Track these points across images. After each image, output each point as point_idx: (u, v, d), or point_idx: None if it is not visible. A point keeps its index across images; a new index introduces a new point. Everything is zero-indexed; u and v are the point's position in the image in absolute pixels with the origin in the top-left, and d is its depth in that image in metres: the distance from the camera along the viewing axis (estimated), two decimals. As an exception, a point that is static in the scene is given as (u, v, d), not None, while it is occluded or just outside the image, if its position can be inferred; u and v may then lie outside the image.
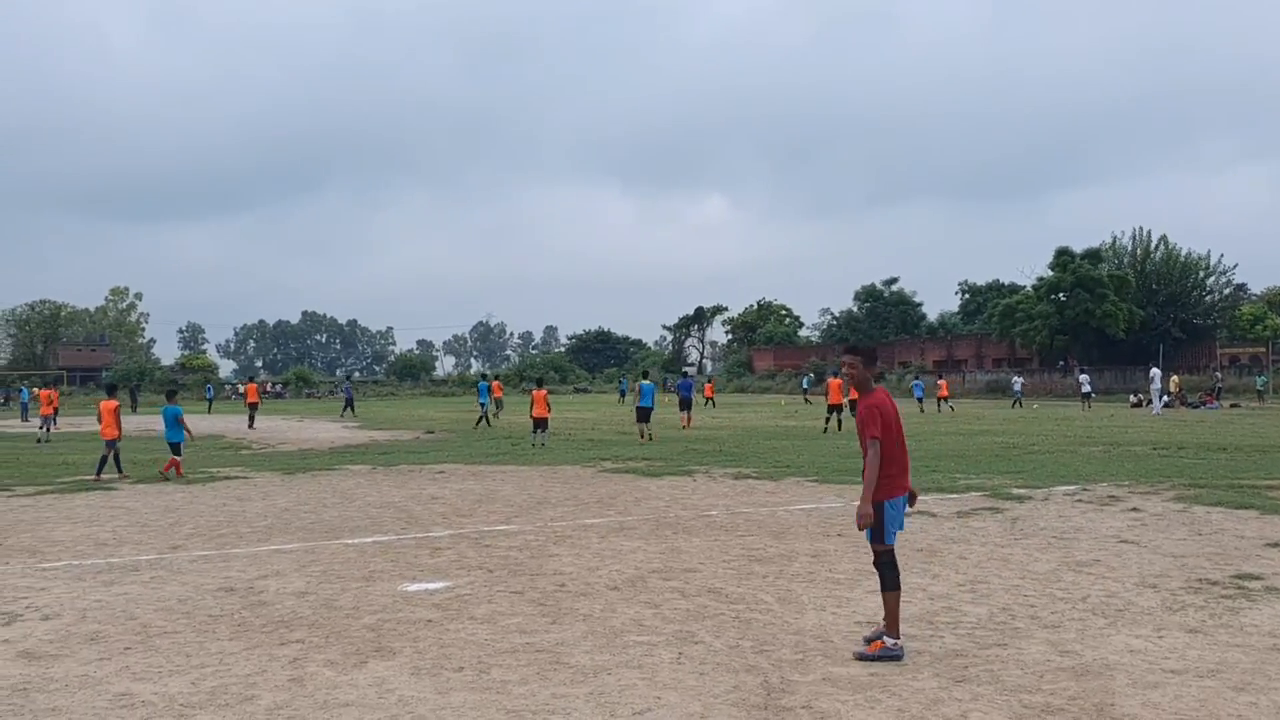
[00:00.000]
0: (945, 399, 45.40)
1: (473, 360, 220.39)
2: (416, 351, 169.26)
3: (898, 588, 6.27)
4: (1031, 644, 6.38)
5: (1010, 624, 6.89)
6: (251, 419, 38.22)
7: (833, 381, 30.96)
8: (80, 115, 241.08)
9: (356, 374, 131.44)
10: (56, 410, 34.62)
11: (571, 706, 5.29)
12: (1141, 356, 63.36)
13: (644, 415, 26.50)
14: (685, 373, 42.74)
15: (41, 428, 31.88)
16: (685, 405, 32.56)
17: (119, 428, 18.18)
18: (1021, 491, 14.16)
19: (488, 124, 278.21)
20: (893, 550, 6.35)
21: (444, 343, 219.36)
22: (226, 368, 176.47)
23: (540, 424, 24.08)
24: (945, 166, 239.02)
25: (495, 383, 40.57)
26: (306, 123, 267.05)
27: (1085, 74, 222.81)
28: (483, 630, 6.88)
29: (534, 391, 25.12)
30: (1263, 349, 62.06)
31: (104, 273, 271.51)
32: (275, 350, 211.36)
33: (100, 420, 18.44)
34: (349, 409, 47.47)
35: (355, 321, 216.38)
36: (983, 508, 12.62)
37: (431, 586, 8.32)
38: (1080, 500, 13.22)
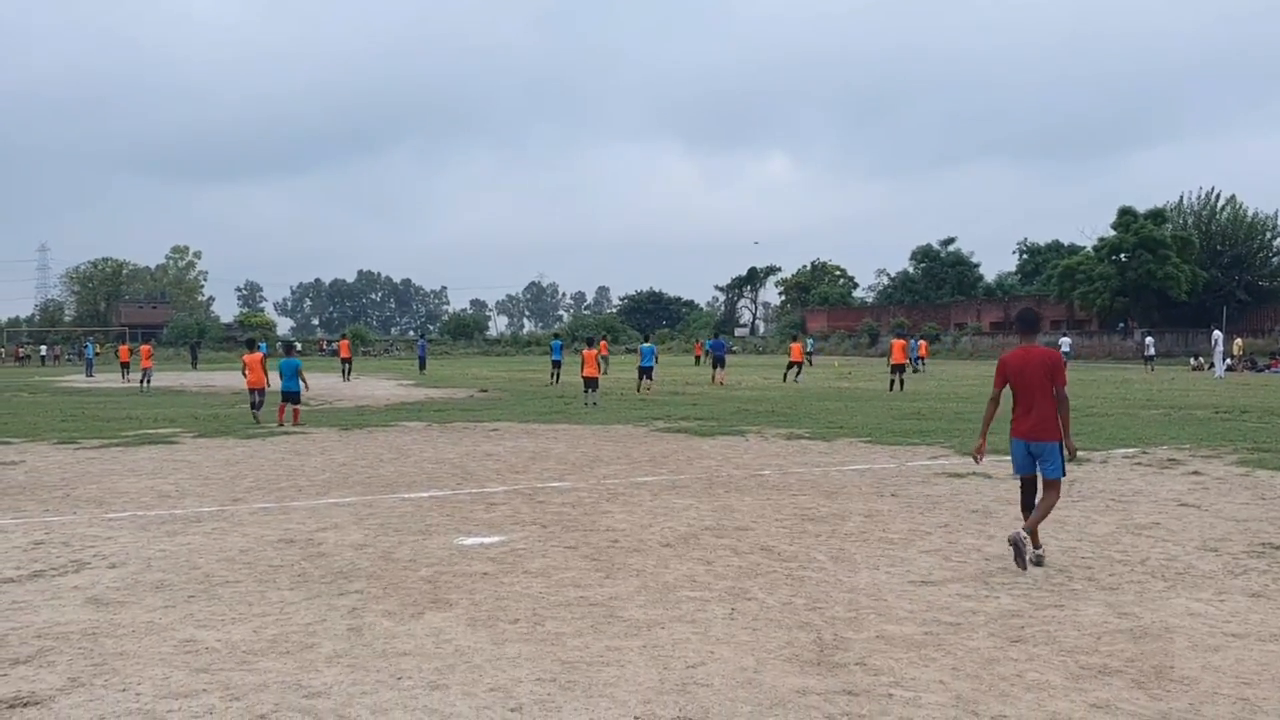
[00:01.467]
0: (922, 359, 45.09)
1: (525, 320, 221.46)
2: (470, 311, 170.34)
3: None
4: (1089, 605, 6.32)
5: (1067, 585, 6.83)
6: (346, 373, 41.01)
7: (895, 342, 31.52)
8: (157, 78, 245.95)
9: (433, 330, 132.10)
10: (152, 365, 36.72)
11: (625, 659, 5.34)
12: (1204, 319, 62.05)
13: (645, 373, 29.97)
14: (718, 334, 44.95)
15: (142, 380, 35.05)
16: (719, 364, 35.67)
17: (266, 377, 20.73)
18: (1080, 454, 13.94)
19: (555, 85, 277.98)
20: (1019, 479, 7.93)
21: (497, 302, 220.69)
22: (284, 325, 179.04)
23: (591, 383, 24.17)
24: (1017, 126, 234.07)
25: (603, 342, 41.58)
26: (375, 84, 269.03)
27: (1166, 29, 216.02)
28: (537, 584, 6.95)
29: (584, 351, 25.20)
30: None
31: (168, 232, 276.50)
32: (331, 308, 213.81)
33: (246, 371, 21.00)
34: (423, 367, 48.27)
35: (410, 281, 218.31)
36: (1039, 470, 12.46)
37: (487, 540, 8.42)
38: (1139, 463, 13.03)
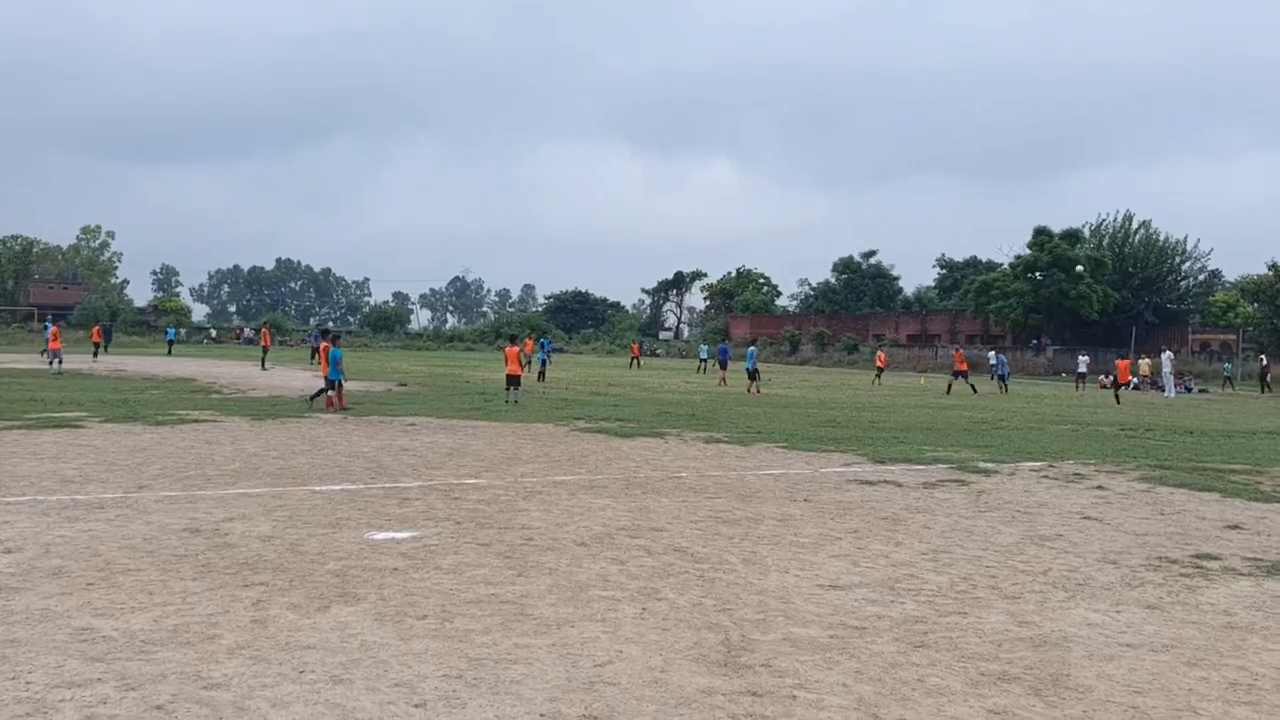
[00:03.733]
0: (881, 370, 46.38)
1: (449, 315, 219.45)
2: (392, 304, 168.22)
3: None
4: (991, 613, 6.46)
5: (971, 593, 6.97)
6: (265, 360, 40.62)
7: (956, 353, 37.95)
8: (100, 52, 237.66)
9: (331, 324, 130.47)
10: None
11: (534, 656, 5.32)
12: (1114, 339, 63.93)
13: (752, 375, 33.08)
14: (718, 338, 46.81)
15: (52, 362, 33.42)
16: (723, 366, 39.01)
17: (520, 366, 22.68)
18: (988, 465, 14.29)
19: (507, 81, 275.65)
20: None
21: (420, 296, 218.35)
22: (199, 312, 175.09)
23: (513, 381, 24.03)
24: (957, 144, 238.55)
25: (528, 340, 41.28)
26: (325, 70, 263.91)
27: (1105, 59, 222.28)
28: (448, 580, 6.89)
29: (507, 348, 25.07)
30: (1233, 336, 62.69)
31: (87, 211, 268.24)
32: (249, 296, 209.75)
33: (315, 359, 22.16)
34: (315, 356, 47.69)
35: (330, 270, 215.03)
36: (949, 480, 12.73)
37: (398, 535, 8.32)
38: (1046, 476, 13.36)
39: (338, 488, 10.75)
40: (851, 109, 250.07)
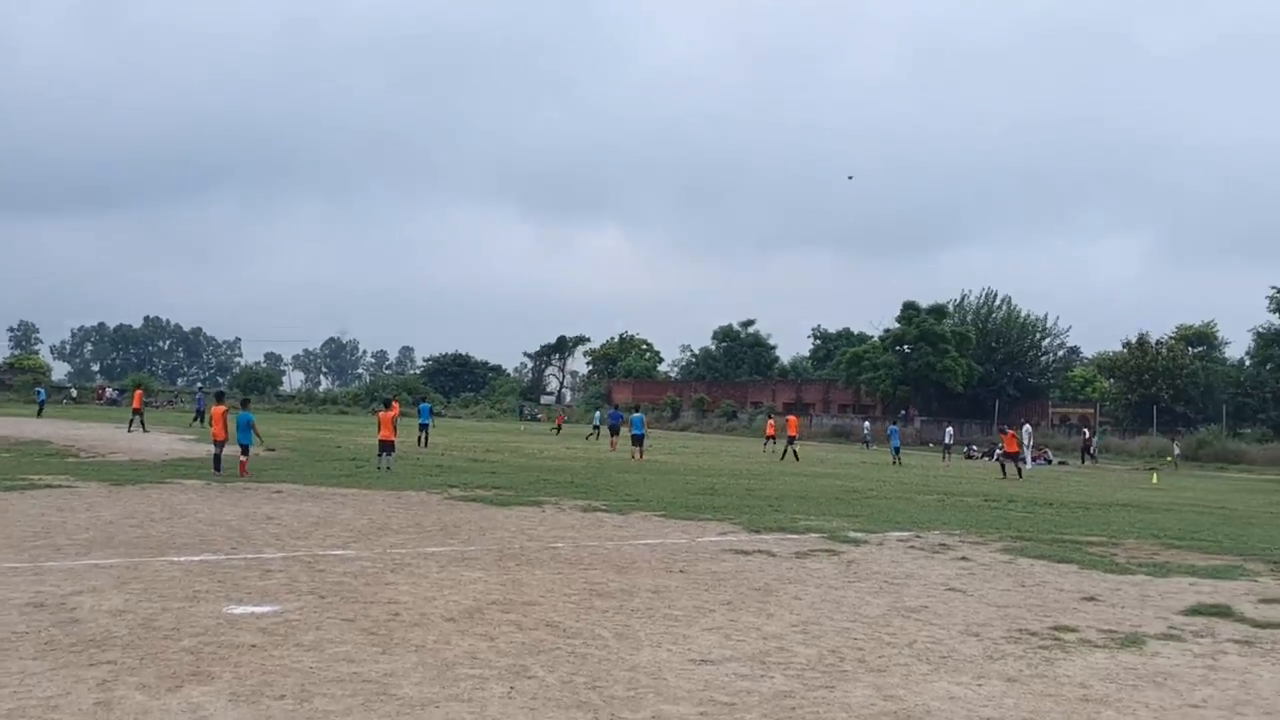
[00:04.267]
0: (771, 438, 45.51)
1: (322, 377, 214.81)
2: (264, 365, 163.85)
3: None
4: (858, 687, 6.53)
5: (839, 666, 7.04)
6: (133, 423, 38.48)
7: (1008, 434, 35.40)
8: None
9: (221, 383, 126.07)
10: None
11: (395, 739, 5.15)
12: (978, 411, 66.16)
13: (637, 441, 33.71)
14: (616, 405, 46.73)
15: None
16: (614, 432, 38.67)
17: (225, 430, 20.97)
18: (858, 535, 14.54)
19: (397, 143, 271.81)
20: None
21: (294, 357, 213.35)
22: (60, 370, 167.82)
23: (386, 447, 23.53)
24: (840, 219, 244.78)
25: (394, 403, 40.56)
26: (208, 124, 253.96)
27: (981, 139, 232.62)
28: (309, 657, 6.65)
29: (380, 413, 24.58)
30: (1091, 409, 65.54)
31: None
32: (114, 355, 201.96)
33: (210, 423, 21.68)
34: (199, 419, 46.02)
35: (200, 329, 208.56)
36: (820, 549, 12.91)
37: (258, 610, 8.01)
38: (914, 546, 13.65)
39: (197, 558, 10.33)
40: (738, 181, 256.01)
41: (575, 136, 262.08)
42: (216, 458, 20.64)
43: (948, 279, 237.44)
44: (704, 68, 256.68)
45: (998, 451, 49.35)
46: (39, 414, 50.92)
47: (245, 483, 18.72)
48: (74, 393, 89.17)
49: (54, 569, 9.46)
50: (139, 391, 43.15)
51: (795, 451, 38.16)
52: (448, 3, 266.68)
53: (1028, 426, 46.35)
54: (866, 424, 54.58)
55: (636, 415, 36.42)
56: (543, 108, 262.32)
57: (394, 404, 25.76)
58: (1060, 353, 77.18)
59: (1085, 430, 52.83)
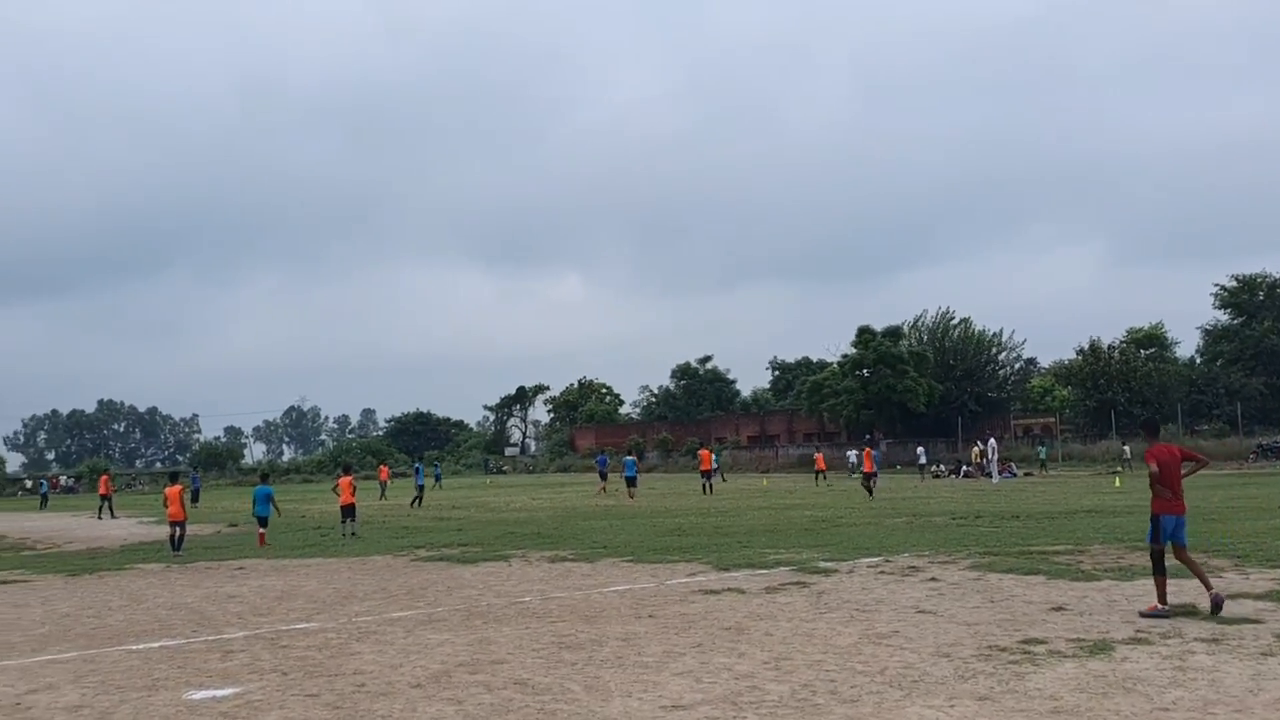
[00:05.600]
0: (707, 472, 44.10)
1: (285, 447, 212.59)
2: (224, 439, 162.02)
3: (1160, 574, 9.89)
4: (831, 720, 6.48)
5: (811, 700, 6.98)
6: (103, 510, 37.91)
7: (866, 451, 35.38)
8: None
9: (182, 461, 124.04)
10: None
11: (361, 817, 5.03)
12: (942, 429, 66.53)
13: (630, 483, 36.66)
14: (630, 450, 48.49)
15: None
16: (630, 483, 37.40)
17: (184, 510, 20.57)
18: (828, 565, 14.52)
19: (353, 204, 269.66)
20: (1159, 551, 10.02)
21: (254, 429, 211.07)
22: (14, 460, 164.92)
23: (348, 512, 23.24)
24: (794, 250, 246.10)
25: (383, 467, 40.67)
26: (156, 202, 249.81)
27: (930, 164, 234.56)
28: (272, 739, 6.50)
29: (340, 479, 24.31)
30: (1053, 419, 66.09)
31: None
32: (69, 441, 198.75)
33: (167, 504, 20.64)
34: (195, 500, 45.66)
35: (156, 409, 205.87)
36: (791, 582, 12.86)
37: (219, 694, 7.82)
38: (883, 572, 13.64)
39: (156, 645, 10.10)
40: (692, 220, 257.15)
41: (531, 187, 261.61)
42: (173, 538, 20.19)
43: (904, 301, 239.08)
44: (657, 108, 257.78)
45: (965, 467, 50.04)
46: (41, 507, 49.74)
47: (207, 562, 18.40)
48: (28, 483, 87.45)
49: (8, 667, 9.21)
50: (104, 477, 42.13)
51: (710, 486, 39.66)
52: (398, 63, 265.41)
53: (993, 441, 46.78)
54: (852, 453, 54.63)
55: (629, 459, 39.12)
56: (495, 161, 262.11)
57: (382, 468, 25.89)
58: (1017, 365, 78.01)
59: (872, 437, 54.10)
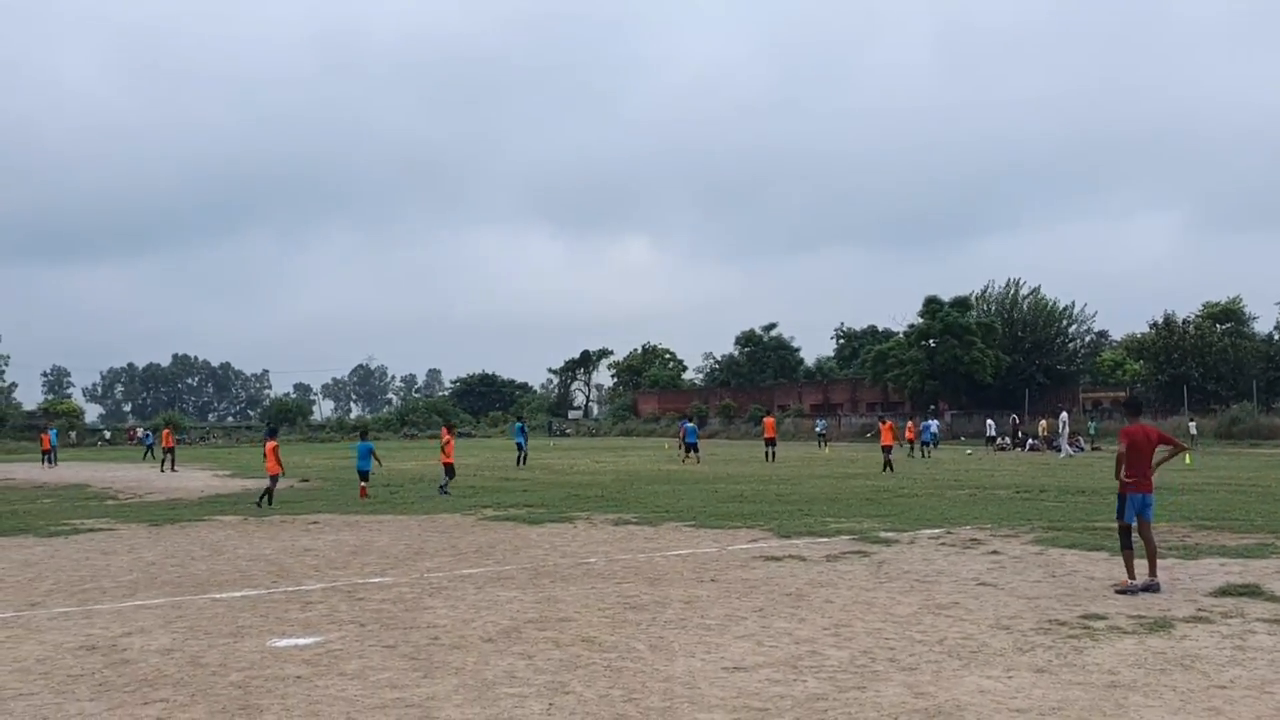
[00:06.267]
0: (772, 439, 44.75)
1: (352, 405, 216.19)
2: (294, 396, 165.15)
3: (1126, 549, 10.13)
4: (889, 686, 6.66)
5: (870, 667, 7.17)
6: (165, 463, 39.06)
7: (883, 425, 33.39)
8: (13, 150, 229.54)
9: (252, 416, 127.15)
10: None
11: (440, 761, 5.33)
12: (1009, 401, 65.77)
13: (691, 448, 37.41)
14: (690, 418, 46.85)
15: None
16: (692, 448, 37.75)
17: (280, 465, 21.50)
18: (889, 535, 14.63)
19: (430, 166, 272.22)
20: (1125, 527, 10.23)
21: (323, 386, 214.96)
22: (93, 412, 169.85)
23: (449, 471, 23.92)
24: (866, 215, 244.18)
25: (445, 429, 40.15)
26: (241, 162, 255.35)
27: (1012, 126, 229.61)
28: (353, 686, 6.85)
29: (446, 435, 25.01)
30: (1123, 394, 64.97)
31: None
32: (144, 394, 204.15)
33: (266, 458, 21.71)
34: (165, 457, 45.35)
35: (229, 364, 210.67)
36: (851, 551, 13.02)
37: (301, 642, 8.22)
38: (944, 543, 13.73)
39: (239, 594, 10.57)
40: (765, 185, 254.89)
41: (605, 150, 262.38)
42: (269, 491, 21.07)
43: (975, 269, 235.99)
44: (729, 71, 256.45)
45: (1031, 440, 49.49)
46: (145, 457, 50.12)
47: (282, 515, 19.01)
48: (107, 434, 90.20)
49: (102, 611, 9.72)
50: (166, 431, 43.39)
51: (773, 454, 39.36)
52: (477, 25, 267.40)
53: (1064, 414, 46.26)
54: (933, 423, 54.56)
55: (690, 425, 39.44)
56: (572, 124, 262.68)
57: (444, 430, 25.96)
58: (1088, 338, 76.69)
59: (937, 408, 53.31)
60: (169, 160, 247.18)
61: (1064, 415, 45.97)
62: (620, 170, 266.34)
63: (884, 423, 33.72)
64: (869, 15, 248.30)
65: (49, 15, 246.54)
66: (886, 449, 31.95)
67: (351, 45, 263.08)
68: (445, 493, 22.99)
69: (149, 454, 50.82)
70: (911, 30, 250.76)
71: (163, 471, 37.23)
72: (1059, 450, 44.47)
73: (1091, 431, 52.95)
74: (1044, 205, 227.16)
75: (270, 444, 22.35)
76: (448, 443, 24.35)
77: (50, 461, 44.73)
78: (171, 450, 40.20)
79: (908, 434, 41.85)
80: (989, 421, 51.12)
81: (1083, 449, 47.39)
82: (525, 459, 36.91)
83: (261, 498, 21.15)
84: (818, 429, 60.27)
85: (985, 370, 65.95)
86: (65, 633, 8.73)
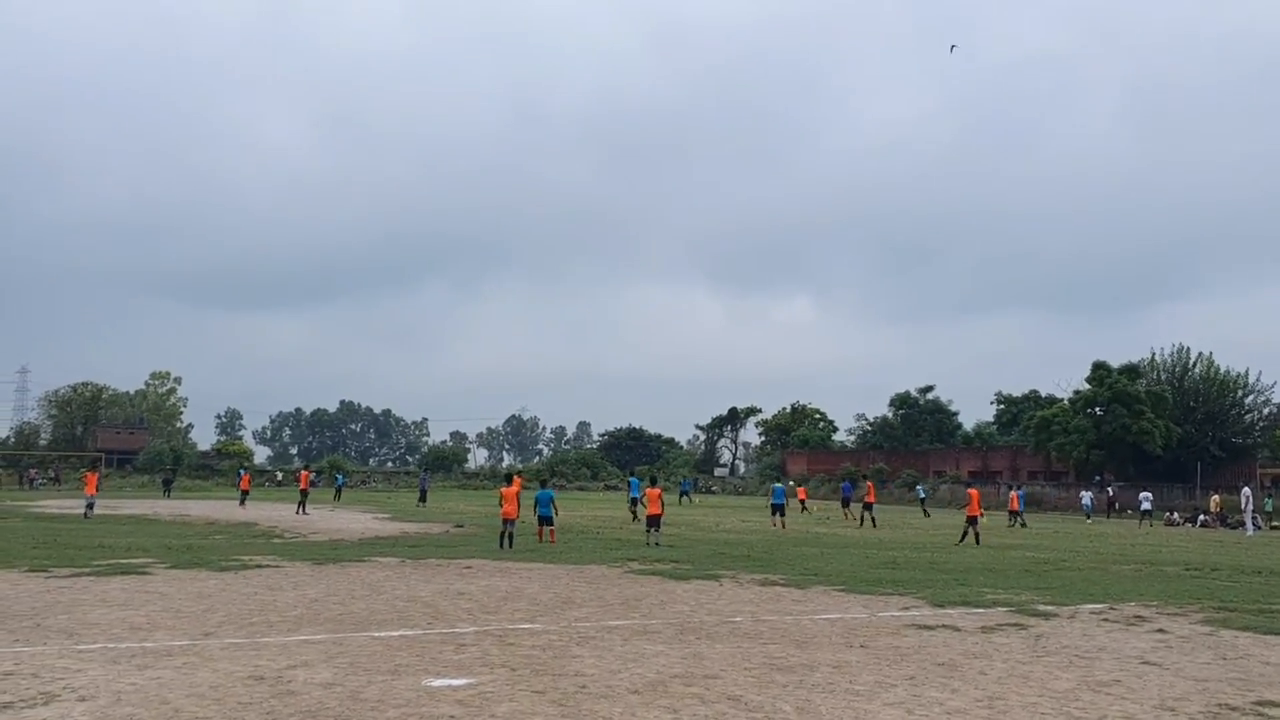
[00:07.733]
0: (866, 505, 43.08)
1: (505, 453, 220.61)
2: (450, 443, 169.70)
3: None
4: (1045, 763, 6.44)
5: (1025, 743, 6.94)
6: (302, 505, 39.47)
7: (972, 492, 30.31)
8: (218, 207, 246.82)
9: (410, 463, 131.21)
10: (97, 490, 35.79)
11: (587, 807, 5.41)
12: (1179, 473, 62.62)
13: (778, 509, 34.98)
14: (853, 479, 47.31)
15: (87, 506, 33.70)
16: (777, 509, 35.54)
17: (518, 507, 22.85)
18: (1048, 608, 14.10)
19: (603, 221, 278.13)
20: None
21: (477, 435, 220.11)
22: (261, 454, 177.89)
23: (653, 522, 24.30)
24: (1039, 279, 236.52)
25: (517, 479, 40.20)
26: (422, 222, 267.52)
27: (1202, 190, 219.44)
28: (504, 728, 7.02)
29: (649, 490, 25.36)
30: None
31: (157, 357, 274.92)
32: (311, 438, 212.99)
33: (502, 502, 23.22)
34: (423, 501, 49.05)
35: (390, 411, 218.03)
36: (1007, 623, 12.61)
37: (455, 683, 8.46)
38: (1106, 619, 13.16)
39: (396, 634, 10.94)
40: (936, 246, 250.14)
41: (774, 207, 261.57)
42: (507, 534, 22.46)
43: (1147, 336, 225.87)
44: (912, 130, 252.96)
45: (1203, 516, 46.94)
46: (336, 498, 53.56)
47: (437, 560, 19.56)
48: (279, 476, 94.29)
49: (269, 644, 10.21)
50: (305, 473, 44.93)
51: (977, 534, 30.31)
52: (665, 85, 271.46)
53: (1247, 490, 43.97)
54: (1087, 494, 52.54)
55: (778, 485, 38.08)
56: (744, 182, 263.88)
57: (516, 480, 26.02)
58: (1265, 410, 72.42)
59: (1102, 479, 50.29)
60: (358, 215, 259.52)
61: (1246, 490, 43.62)
62: (787, 227, 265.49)
63: (972, 490, 30.65)
64: (1054, 75, 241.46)
65: (258, 79, 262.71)
66: (972, 519, 28.76)
67: (540, 103, 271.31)
68: (654, 544, 23.52)
69: (338, 495, 54.68)
70: (1100, 91, 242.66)
71: (297, 514, 37.33)
72: (1242, 527, 42.07)
73: (1268, 508, 49.96)
74: (1230, 273, 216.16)
75: (508, 489, 23.54)
76: (513, 492, 23.56)
77: (243, 502, 47.01)
78: (306, 493, 40.92)
79: (1011, 504, 40.64)
80: (1142, 494, 48.71)
81: (1259, 527, 44.71)
82: (634, 514, 36.17)
83: (502, 540, 22.56)
84: (919, 494, 58.50)
85: (1155, 441, 62.99)
86: (235, 662, 9.21)
